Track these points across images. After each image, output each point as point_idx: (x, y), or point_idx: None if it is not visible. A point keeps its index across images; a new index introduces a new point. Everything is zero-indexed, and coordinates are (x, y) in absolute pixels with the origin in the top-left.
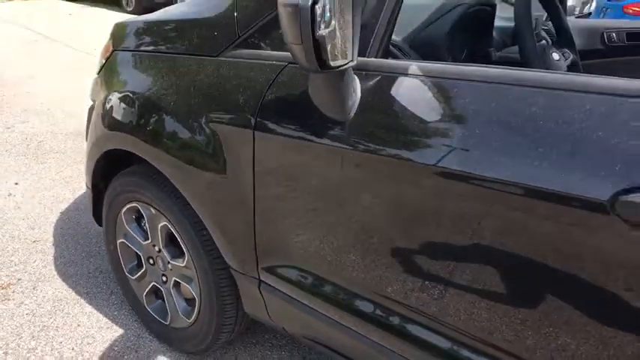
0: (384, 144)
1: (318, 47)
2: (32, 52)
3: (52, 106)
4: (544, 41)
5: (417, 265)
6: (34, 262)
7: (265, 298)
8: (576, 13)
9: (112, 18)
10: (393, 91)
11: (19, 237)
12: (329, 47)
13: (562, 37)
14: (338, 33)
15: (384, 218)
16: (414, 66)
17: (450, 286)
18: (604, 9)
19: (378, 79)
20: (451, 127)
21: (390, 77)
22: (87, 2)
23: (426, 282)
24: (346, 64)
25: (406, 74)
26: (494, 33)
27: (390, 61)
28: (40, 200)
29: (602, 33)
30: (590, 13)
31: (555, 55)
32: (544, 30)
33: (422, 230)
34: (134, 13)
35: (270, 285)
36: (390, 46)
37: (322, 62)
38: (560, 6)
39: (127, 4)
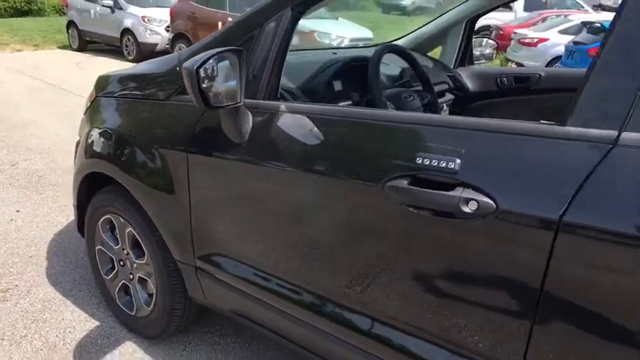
0: (267, 157)
1: (204, 94)
2: (38, 99)
3: (53, 146)
4: (417, 87)
5: (304, 245)
6: (30, 272)
7: (200, 281)
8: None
9: (115, 66)
10: (271, 122)
11: (18, 253)
12: (211, 95)
13: (422, 83)
14: (222, 84)
15: (275, 211)
16: (283, 106)
17: (330, 262)
18: (572, 52)
19: (263, 114)
20: (304, 144)
21: (271, 113)
22: (93, 52)
23: (311, 258)
24: (233, 104)
25: (279, 111)
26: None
27: (271, 102)
28: (37, 224)
29: (497, 78)
30: (560, 56)
31: (410, 97)
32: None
33: (301, 218)
34: (135, 61)
35: (203, 270)
36: (283, 91)
37: (208, 104)
38: (417, 60)
39: (129, 53)
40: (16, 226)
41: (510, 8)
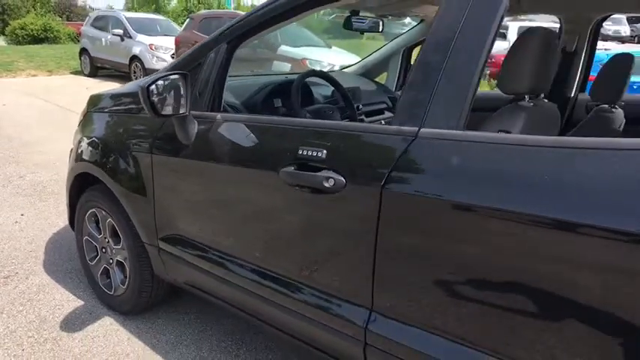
0: (206, 155)
1: (154, 106)
2: (48, 120)
3: (59, 161)
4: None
5: (233, 222)
6: (29, 263)
7: (163, 259)
8: None
9: None
10: (211, 128)
11: (20, 248)
12: (159, 106)
13: (344, 101)
14: (169, 98)
15: (213, 197)
16: (219, 116)
17: (252, 234)
18: None
19: (205, 122)
20: (231, 143)
21: (210, 121)
22: (103, 77)
23: (238, 232)
24: (178, 114)
25: (216, 120)
26: (316, 97)
27: (211, 113)
28: (38, 226)
29: None
30: None
31: (330, 112)
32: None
33: (231, 201)
34: None
35: (164, 250)
36: (228, 106)
37: (158, 113)
38: (339, 81)
39: (137, 79)
40: (20, 227)
41: (504, 37)
